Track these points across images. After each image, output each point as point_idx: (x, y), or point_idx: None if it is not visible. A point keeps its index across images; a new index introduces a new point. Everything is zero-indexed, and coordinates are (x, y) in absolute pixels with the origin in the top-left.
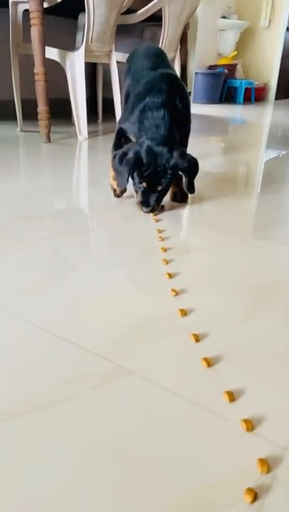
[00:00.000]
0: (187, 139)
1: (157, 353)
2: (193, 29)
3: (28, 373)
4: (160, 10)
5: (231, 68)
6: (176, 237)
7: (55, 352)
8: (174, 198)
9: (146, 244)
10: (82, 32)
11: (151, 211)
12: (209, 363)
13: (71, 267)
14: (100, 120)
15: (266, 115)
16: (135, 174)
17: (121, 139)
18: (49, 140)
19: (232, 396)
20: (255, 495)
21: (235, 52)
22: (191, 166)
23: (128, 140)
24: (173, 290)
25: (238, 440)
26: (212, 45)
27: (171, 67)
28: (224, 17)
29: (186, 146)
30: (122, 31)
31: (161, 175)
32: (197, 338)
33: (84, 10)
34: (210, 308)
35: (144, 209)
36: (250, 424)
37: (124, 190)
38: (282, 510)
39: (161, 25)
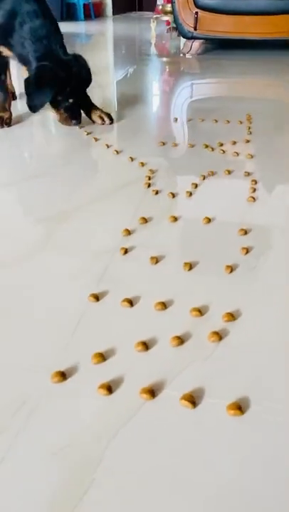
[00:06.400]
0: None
1: None
2: None
3: None
4: None
5: None
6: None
7: None
8: (104, 121)
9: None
10: None
11: (79, 122)
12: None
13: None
14: None
15: (108, 31)
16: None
17: (3, 65)
18: None
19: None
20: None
21: None
22: (89, 71)
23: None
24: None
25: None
26: None
27: None
28: None
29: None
30: None
31: (79, 83)
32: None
33: None
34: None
35: (74, 122)
36: None
37: (10, 110)
38: None
39: None
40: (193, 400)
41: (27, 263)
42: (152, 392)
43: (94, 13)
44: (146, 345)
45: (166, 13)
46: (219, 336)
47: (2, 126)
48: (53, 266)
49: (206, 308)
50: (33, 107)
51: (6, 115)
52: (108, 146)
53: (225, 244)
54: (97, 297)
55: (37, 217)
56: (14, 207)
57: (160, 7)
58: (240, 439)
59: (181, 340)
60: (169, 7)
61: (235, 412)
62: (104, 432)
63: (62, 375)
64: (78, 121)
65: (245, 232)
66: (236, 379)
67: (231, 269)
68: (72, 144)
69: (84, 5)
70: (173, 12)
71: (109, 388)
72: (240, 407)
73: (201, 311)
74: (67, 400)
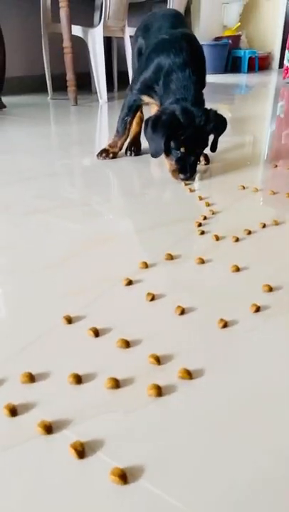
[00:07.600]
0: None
1: None
2: (196, 2)
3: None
4: None
5: (235, 39)
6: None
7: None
8: (199, 160)
9: None
10: (100, 11)
11: (189, 178)
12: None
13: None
14: (115, 89)
15: (270, 83)
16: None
17: (134, 108)
18: (76, 103)
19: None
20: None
21: (239, 23)
22: (224, 126)
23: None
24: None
25: None
26: (217, 17)
27: (188, 28)
28: None
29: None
30: (133, 8)
31: (199, 137)
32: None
33: None
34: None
35: (182, 176)
36: None
37: (120, 148)
38: None
39: (167, 1)
40: (82, 450)
41: (43, 271)
42: (49, 428)
43: (258, 66)
44: (79, 379)
45: None
46: (160, 391)
47: (104, 158)
48: (57, 280)
49: (168, 359)
50: (152, 153)
51: (112, 150)
52: (186, 184)
53: (238, 296)
54: (70, 320)
55: (80, 234)
56: (67, 221)
57: None
58: None
59: (117, 383)
60: None
61: (115, 478)
62: None
63: None
64: (187, 176)
65: (270, 289)
66: (140, 451)
67: (225, 323)
68: (155, 175)
69: (249, 58)
70: None
71: (14, 411)
72: (124, 475)
73: (159, 360)
74: None
